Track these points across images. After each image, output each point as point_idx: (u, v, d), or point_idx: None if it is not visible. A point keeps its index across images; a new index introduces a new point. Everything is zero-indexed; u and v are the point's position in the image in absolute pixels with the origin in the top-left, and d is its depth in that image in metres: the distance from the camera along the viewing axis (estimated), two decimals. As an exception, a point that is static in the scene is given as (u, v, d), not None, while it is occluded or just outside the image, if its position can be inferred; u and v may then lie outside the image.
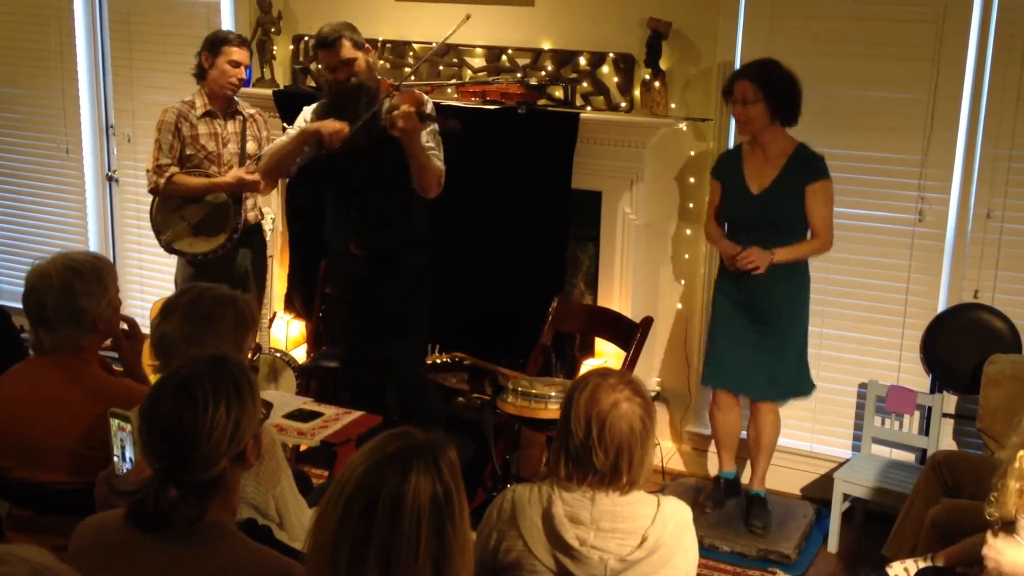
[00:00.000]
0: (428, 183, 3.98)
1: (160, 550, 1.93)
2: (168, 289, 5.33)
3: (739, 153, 4.19)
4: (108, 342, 2.87)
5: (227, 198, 4.47)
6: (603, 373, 2.33)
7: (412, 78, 4.44)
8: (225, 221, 4.48)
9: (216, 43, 4.45)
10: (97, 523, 2.04)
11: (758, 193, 4.07)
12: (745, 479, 4.47)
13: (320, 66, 4.00)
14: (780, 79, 3.98)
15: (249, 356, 2.95)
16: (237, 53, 4.45)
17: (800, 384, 4.25)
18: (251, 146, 4.54)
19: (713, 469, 4.64)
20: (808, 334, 4.25)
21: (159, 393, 1.99)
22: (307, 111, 4.15)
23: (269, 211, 4.94)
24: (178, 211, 4.50)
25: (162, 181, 4.44)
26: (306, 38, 5.21)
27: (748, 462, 4.41)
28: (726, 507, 4.38)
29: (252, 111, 4.68)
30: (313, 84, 5.19)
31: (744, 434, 4.44)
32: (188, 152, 4.46)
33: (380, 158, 3.99)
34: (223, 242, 4.48)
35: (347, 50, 3.95)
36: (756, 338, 4.15)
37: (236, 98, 4.64)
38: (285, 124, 4.55)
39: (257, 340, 4.81)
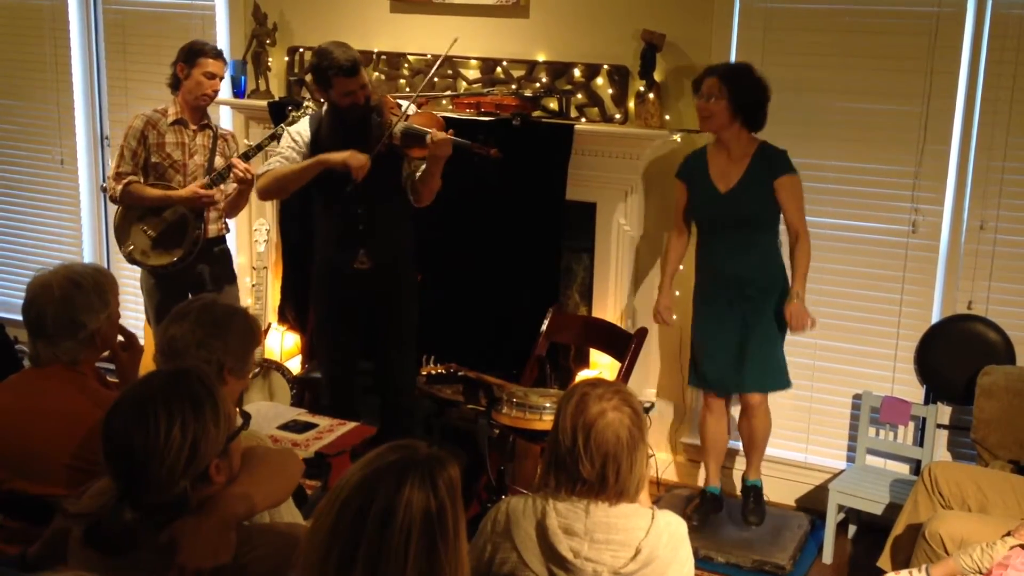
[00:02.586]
0: (429, 196, 4.09)
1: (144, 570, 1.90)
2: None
3: (704, 155, 4.23)
4: (105, 353, 2.87)
5: (187, 211, 4.45)
6: (592, 383, 2.33)
7: (408, 89, 4.44)
8: (184, 235, 4.46)
9: (192, 54, 4.43)
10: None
11: (726, 192, 4.10)
12: (737, 476, 4.50)
13: (333, 92, 3.94)
14: (747, 82, 4.03)
15: (250, 375, 2.96)
16: (212, 65, 4.43)
17: (767, 380, 4.25)
18: (219, 161, 4.52)
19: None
20: (786, 331, 4.24)
21: (115, 411, 1.93)
22: (297, 134, 4.10)
23: (264, 222, 4.94)
24: (140, 223, 4.49)
25: (119, 188, 4.42)
26: (301, 50, 5.22)
27: (743, 455, 4.44)
28: (714, 519, 4.38)
29: (226, 131, 4.68)
30: (308, 95, 5.19)
31: (732, 443, 4.47)
32: (154, 160, 4.44)
33: (382, 171, 4.02)
34: (181, 255, 4.46)
35: (363, 74, 3.96)
36: (739, 332, 4.16)
37: (208, 112, 4.63)
38: (260, 141, 4.52)
39: (259, 359, 4.82)
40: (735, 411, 4.46)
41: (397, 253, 4.20)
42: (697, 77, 4.15)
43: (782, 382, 4.25)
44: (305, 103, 4.46)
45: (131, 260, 4.54)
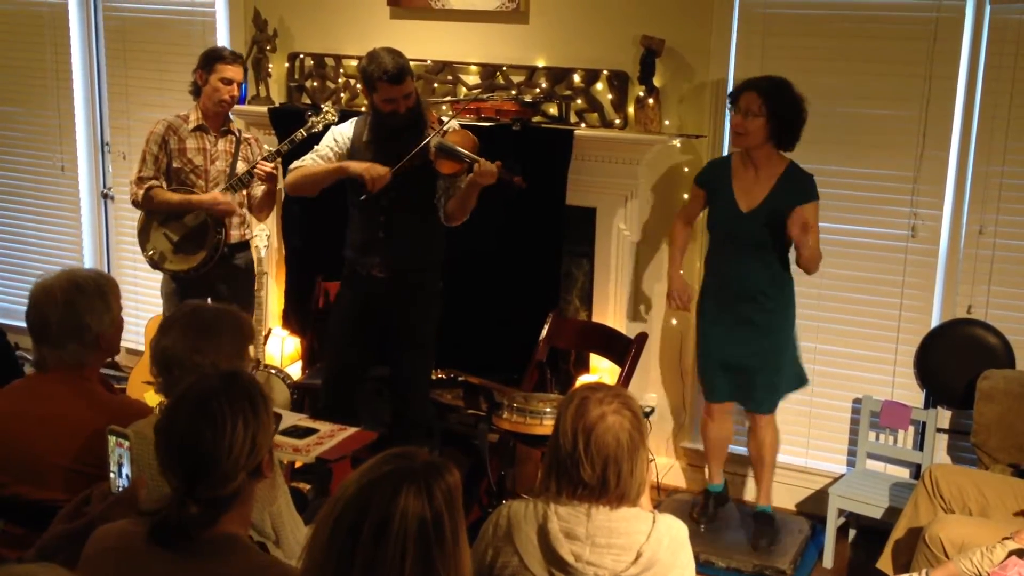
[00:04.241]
0: (462, 216, 4.10)
1: (176, 561, 1.94)
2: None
3: (729, 166, 4.15)
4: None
5: (208, 217, 4.46)
6: (593, 387, 2.34)
7: (446, 107, 4.47)
8: (205, 239, 4.47)
9: (210, 60, 4.45)
10: (112, 531, 2.04)
11: (747, 211, 4.05)
12: (750, 495, 4.49)
13: (376, 96, 3.96)
14: (789, 102, 3.94)
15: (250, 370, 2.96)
16: (230, 70, 4.44)
17: (799, 380, 4.25)
18: (241, 166, 4.53)
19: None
20: (797, 334, 4.24)
21: (175, 412, 2.00)
22: (340, 134, 4.15)
23: (264, 228, 4.95)
24: (162, 227, 4.50)
25: (140, 193, 4.43)
26: (301, 56, 5.23)
27: (752, 478, 4.43)
28: (719, 520, 4.39)
29: (250, 136, 4.68)
30: (308, 101, 5.20)
31: (734, 447, 4.47)
32: (175, 165, 4.46)
33: (413, 183, 4.04)
34: (203, 260, 4.47)
35: (409, 84, 3.97)
36: (747, 348, 4.14)
37: (233, 118, 4.64)
38: (279, 147, 4.52)
39: (254, 355, 4.82)
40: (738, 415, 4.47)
41: (418, 266, 4.19)
42: (734, 90, 4.09)
43: (780, 397, 4.25)
44: (325, 109, 4.46)
45: (152, 264, 4.56)
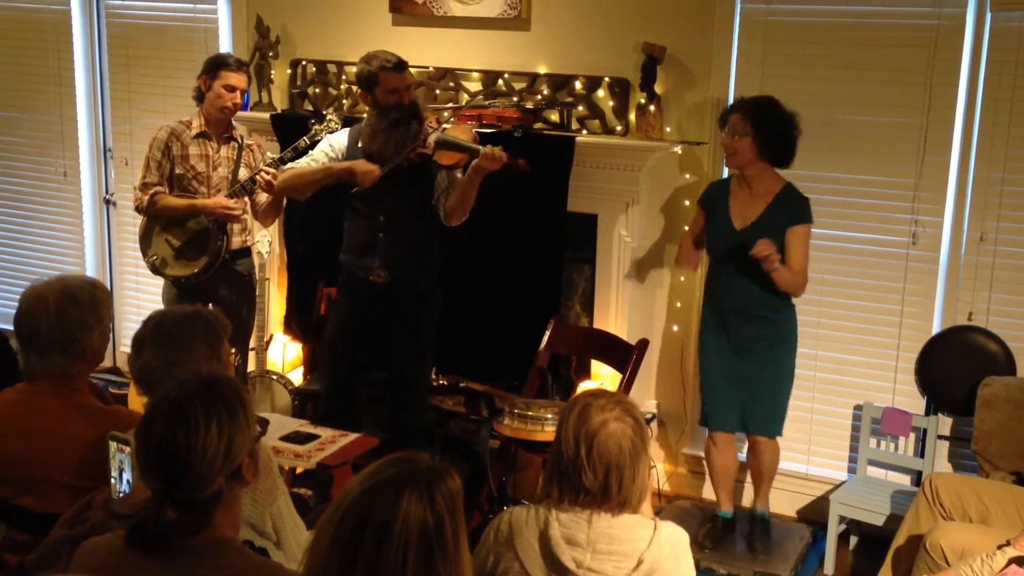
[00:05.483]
0: (463, 212, 4.10)
1: (165, 567, 1.94)
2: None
3: (727, 186, 4.19)
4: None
5: (210, 223, 4.47)
6: (595, 393, 2.35)
7: (448, 114, 4.51)
8: (206, 246, 4.47)
9: (214, 67, 4.45)
10: (100, 545, 2.04)
11: (740, 229, 4.06)
12: (748, 500, 4.50)
13: (379, 89, 4.04)
14: (773, 119, 3.96)
15: (232, 359, 2.95)
16: (234, 78, 4.44)
17: (776, 425, 4.21)
18: (243, 172, 4.53)
19: (708, 492, 4.63)
20: (794, 375, 4.22)
21: (152, 416, 2.00)
22: (335, 141, 4.19)
23: (266, 234, 4.96)
24: (164, 232, 4.51)
25: (145, 199, 4.44)
26: (303, 62, 5.24)
27: (750, 484, 4.42)
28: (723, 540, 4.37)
29: (251, 142, 4.69)
30: (311, 108, 5.21)
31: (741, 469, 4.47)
32: (178, 171, 4.46)
33: (412, 183, 4.07)
34: (204, 266, 4.46)
35: (409, 76, 4.10)
36: (746, 370, 4.13)
37: (235, 124, 4.65)
38: (282, 154, 4.53)
39: (253, 361, 4.83)
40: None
41: (417, 270, 4.21)
42: (723, 112, 4.13)
43: (779, 428, 4.21)
44: (328, 117, 4.47)
45: (153, 270, 4.55)
